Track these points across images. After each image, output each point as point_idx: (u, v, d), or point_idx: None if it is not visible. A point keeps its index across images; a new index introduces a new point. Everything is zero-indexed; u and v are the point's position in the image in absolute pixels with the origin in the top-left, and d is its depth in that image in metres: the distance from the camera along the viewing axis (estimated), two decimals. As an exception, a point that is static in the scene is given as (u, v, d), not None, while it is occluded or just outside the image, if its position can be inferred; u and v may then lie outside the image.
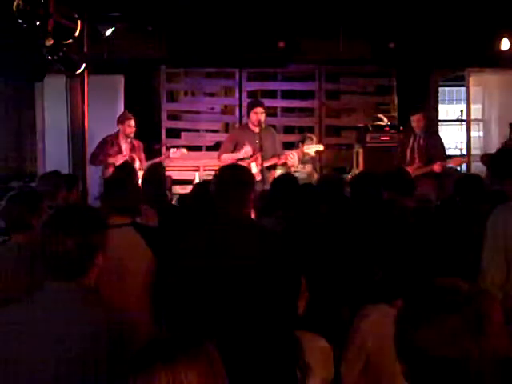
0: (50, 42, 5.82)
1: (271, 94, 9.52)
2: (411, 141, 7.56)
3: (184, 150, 7.76)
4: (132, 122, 7.50)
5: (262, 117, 6.92)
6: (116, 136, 7.57)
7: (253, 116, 6.95)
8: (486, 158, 6.37)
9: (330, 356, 2.22)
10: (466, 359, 1.31)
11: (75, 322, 2.09)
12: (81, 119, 7.30)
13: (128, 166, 5.95)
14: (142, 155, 7.62)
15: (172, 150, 7.72)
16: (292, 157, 6.92)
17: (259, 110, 6.94)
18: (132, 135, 7.52)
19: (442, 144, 7.62)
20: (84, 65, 6.71)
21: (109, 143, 7.50)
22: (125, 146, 7.54)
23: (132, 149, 7.54)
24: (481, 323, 1.32)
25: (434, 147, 7.46)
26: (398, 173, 4.80)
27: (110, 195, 3.68)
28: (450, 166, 7.41)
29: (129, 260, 3.36)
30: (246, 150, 6.88)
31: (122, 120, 7.57)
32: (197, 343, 1.49)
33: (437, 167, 7.19)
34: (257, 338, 2.11)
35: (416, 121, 7.54)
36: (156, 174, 5.36)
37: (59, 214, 2.30)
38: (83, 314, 2.12)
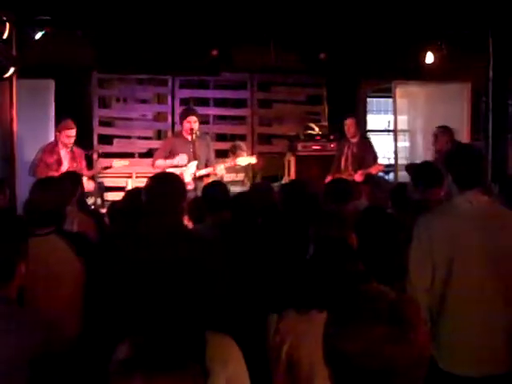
0: (-23, 45, 5.69)
1: (204, 102, 9.56)
2: (345, 149, 7.78)
3: (123, 162, 7.76)
4: (71, 132, 7.06)
5: (195, 125, 6.86)
6: (55, 144, 7.17)
7: (186, 125, 6.91)
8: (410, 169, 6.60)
9: (232, 353, 2.09)
10: (390, 368, 1.30)
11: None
12: (9, 123, 7.12)
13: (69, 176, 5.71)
14: (84, 163, 7.29)
15: (115, 161, 7.70)
16: (220, 169, 6.96)
17: (192, 118, 6.89)
18: (70, 145, 7.12)
19: (372, 151, 7.82)
20: (12, 68, 6.57)
21: (47, 152, 7.06)
22: (64, 155, 7.12)
23: (72, 157, 7.15)
24: (405, 332, 1.31)
25: (365, 154, 7.68)
26: (334, 182, 4.98)
27: (32, 202, 3.56)
28: (371, 172, 7.61)
29: (56, 267, 3.30)
30: (182, 157, 6.85)
31: (59, 129, 7.18)
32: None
33: (357, 176, 7.44)
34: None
35: (347, 125, 7.77)
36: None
37: None
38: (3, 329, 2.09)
